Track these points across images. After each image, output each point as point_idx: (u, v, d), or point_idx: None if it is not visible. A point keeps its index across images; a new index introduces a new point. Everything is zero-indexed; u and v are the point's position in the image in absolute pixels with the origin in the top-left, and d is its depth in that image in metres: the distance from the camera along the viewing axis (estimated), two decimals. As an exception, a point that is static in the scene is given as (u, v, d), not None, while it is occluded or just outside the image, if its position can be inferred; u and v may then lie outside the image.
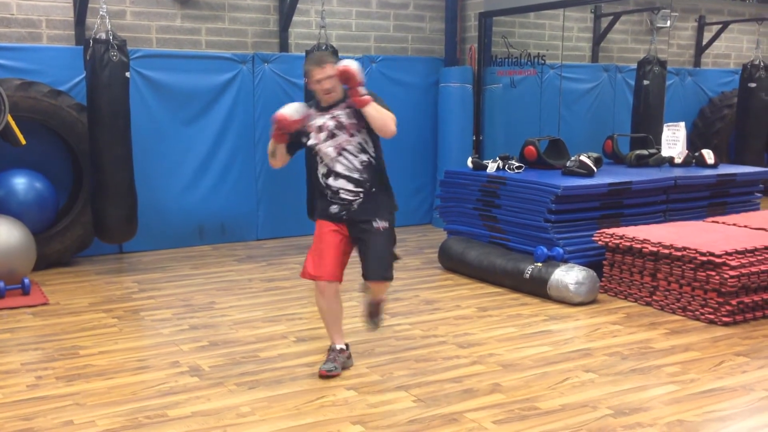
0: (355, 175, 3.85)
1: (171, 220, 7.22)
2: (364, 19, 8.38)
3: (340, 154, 3.84)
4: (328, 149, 3.84)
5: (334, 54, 6.74)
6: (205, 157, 7.39)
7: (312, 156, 4.00)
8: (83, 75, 6.20)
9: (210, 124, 7.38)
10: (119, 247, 6.97)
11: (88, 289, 5.77)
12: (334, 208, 3.90)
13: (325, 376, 3.91)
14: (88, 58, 5.92)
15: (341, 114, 3.84)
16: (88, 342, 4.54)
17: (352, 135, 3.83)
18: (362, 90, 3.74)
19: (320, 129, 3.85)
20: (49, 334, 4.69)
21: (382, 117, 3.76)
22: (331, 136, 3.83)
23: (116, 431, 3.33)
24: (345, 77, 3.72)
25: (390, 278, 3.98)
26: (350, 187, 3.86)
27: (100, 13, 6.04)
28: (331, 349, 4.05)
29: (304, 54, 6.95)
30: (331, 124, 3.83)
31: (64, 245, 6.43)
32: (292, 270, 6.40)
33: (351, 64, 3.72)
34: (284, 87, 7.64)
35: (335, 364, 3.96)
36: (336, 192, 3.88)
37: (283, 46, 7.87)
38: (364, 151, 3.85)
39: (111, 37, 5.86)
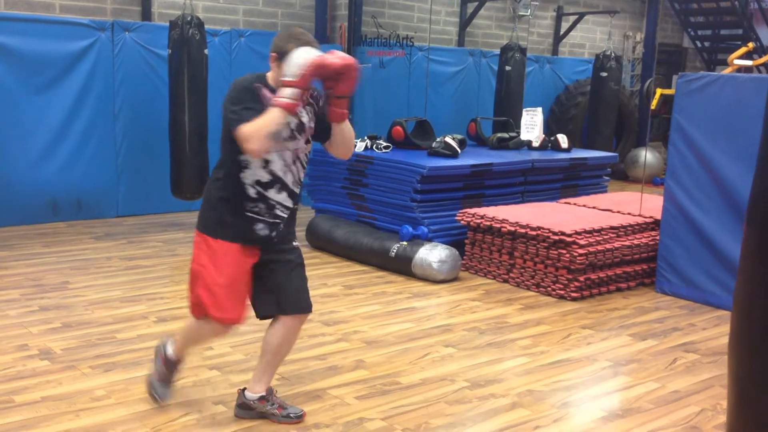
0: (296, 189, 3.08)
1: (21, 194, 6.78)
2: (232, -9, 8.17)
3: (294, 162, 3.02)
4: (286, 153, 2.98)
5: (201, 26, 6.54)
6: (59, 129, 6.97)
7: (237, 153, 2.92)
8: None
9: (65, 94, 6.96)
10: (-39, 223, 6.48)
11: (-76, 269, 5.33)
12: (261, 228, 3.00)
13: None
14: (-77, 16, 5.43)
15: (303, 112, 2.98)
16: (-77, 326, 4.20)
17: (307, 141, 3.06)
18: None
19: None
20: None
21: (352, 137, 3.09)
22: (291, 136, 2.97)
23: (-44, 420, 3.12)
24: (348, 78, 2.85)
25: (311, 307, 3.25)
26: (289, 203, 3.06)
27: (-62, -32, 5.55)
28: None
29: (167, 24, 6.68)
30: (293, 121, 2.95)
31: None
32: (154, 248, 6.20)
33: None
34: (147, 58, 7.33)
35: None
36: (272, 207, 3.00)
37: (146, 14, 7.54)
38: (307, 162, 3.13)
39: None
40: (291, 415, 3.22)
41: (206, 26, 6.75)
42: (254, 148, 2.77)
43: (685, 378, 3.90)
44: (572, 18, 11.40)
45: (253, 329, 4.32)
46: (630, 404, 3.57)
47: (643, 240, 5.57)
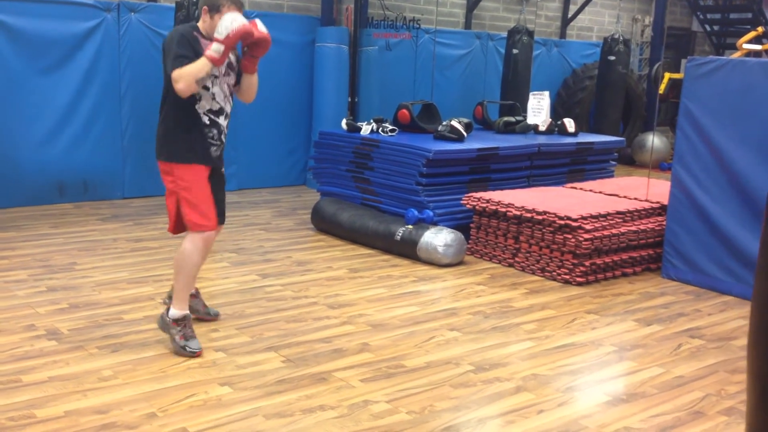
0: (229, 120, 3.80)
1: (28, 176, 6.79)
2: (238, -28, 8.12)
3: (229, 94, 3.75)
4: (224, 85, 3.69)
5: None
6: (65, 110, 6.97)
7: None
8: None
9: (70, 75, 6.96)
10: (-32, 203, 6.51)
11: (-68, 249, 5.36)
12: (214, 151, 3.70)
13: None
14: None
15: (231, 55, 3.71)
16: (-68, 305, 4.23)
17: (234, 79, 3.77)
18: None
19: None
20: None
21: (256, 86, 3.83)
22: (227, 73, 3.70)
23: (-35, 399, 3.15)
24: (263, 46, 3.62)
25: None
26: (226, 129, 3.78)
27: (-56, -53, 5.53)
28: (187, 318, 3.74)
29: (173, 5, 6.66)
30: (216, 70, 3.62)
31: None
32: (161, 230, 6.21)
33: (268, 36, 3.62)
34: (153, 39, 7.31)
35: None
36: (220, 132, 3.72)
37: (152, -5, 7.51)
38: (232, 95, 3.85)
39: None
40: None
41: (212, 7, 6.71)
42: (181, 87, 3.45)
43: (689, 363, 3.91)
44: (580, 1, 11.31)
45: (258, 311, 4.35)
46: (634, 389, 3.58)
47: (650, 225, 5.55)
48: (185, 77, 3.43)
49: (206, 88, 3.61)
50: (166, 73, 3.54)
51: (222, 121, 3.71)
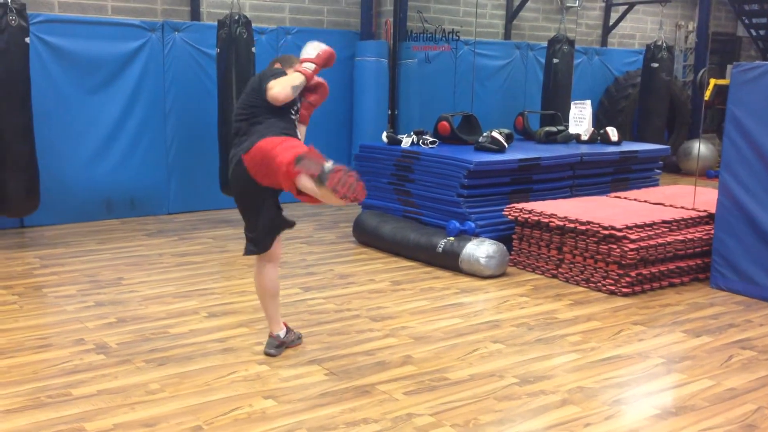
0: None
1: (76, 193, 6.96)
2: (278, -10, 8.24)
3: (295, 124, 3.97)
4: (291, 112, 3.91)
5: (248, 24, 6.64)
6: (112, 128, 7.13)
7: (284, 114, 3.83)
8: (-22, 39, 5.85)
9: (117, 94, 7.12)
10: (20, 221, 6.68)
11: (-14, 265, 5.52)
12: None
13: None
14: (-17, 21, 5.61)
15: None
16: (-14, 320, 4.35)
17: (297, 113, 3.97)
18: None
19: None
20: (-56, 313, 4.47)
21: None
22: (297, 111, 3.95)
23: (17, 411, 3.22)
24: (321, 93, 4.02)
25: None
26: None
27: (-4, -27, 5.72)
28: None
29: (216, 23, 6.78)
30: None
31: (-40, 219, 6.12)
32: (204, 244, 6.30)
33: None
34: (196, 57, 7.45)
35: None
36: None
37: (195, 14, 7.66)
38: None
39: (9, 1, 5.56)
40: (300, 336, 4.10)
41: (253, 25, 6.82)
42: (277, 90, 3.65)
43: (741, 375, 3.80)
44: (622, 8, 11.19)
45: (300, 324, 4.37)
46: (684, 402, 3.50)
47: (697, 234, 5.44)
48: (281, 83, 3.71)
49: (293, 113, 3.86)
50: (262, 95, 3.71)
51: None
